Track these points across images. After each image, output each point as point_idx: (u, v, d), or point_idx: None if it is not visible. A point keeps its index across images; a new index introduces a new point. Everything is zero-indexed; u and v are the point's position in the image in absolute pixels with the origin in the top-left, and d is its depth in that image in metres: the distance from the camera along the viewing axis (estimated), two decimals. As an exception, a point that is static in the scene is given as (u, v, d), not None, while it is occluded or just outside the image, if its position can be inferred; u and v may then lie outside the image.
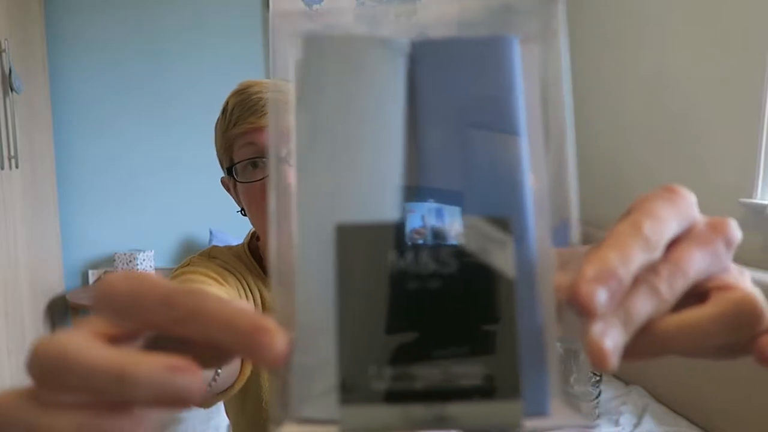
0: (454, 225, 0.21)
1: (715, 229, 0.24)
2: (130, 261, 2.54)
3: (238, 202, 0.76)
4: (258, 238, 0.81)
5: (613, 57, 2.63)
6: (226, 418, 1.75)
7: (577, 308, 0.20)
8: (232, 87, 0.76)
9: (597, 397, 1.82)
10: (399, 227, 0.21)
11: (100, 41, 2.65)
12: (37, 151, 2.39)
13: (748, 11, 1.94)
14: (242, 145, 0.71)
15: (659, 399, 1.93)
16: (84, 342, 0.20)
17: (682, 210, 0.24)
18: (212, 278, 0.69)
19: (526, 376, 0.20)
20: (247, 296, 0.73)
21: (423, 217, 0.22)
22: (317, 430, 0.20)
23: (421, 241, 0.21)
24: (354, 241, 0.21)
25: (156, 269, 2.75)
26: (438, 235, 0.21)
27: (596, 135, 2.77)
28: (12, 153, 2.11)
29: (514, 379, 0.20)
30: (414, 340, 0.20)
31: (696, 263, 0.23)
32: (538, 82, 0.23)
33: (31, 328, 2.31)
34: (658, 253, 0.22)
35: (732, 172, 2.02)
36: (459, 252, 0.21)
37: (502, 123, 0.22)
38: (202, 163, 2.82)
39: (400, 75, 0.23)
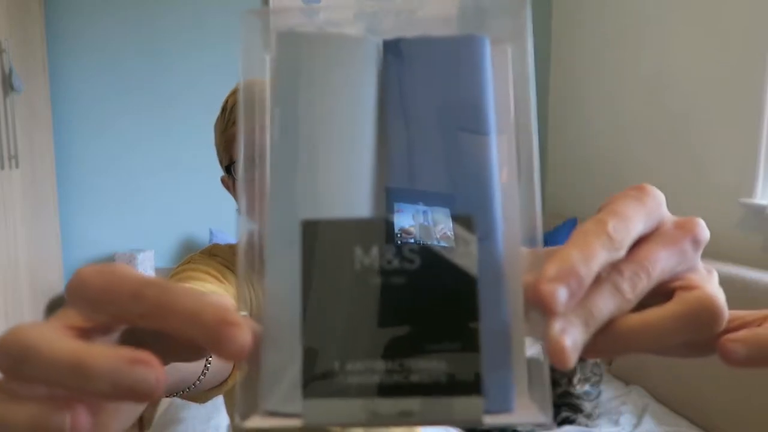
0: (418, 223, 0.21)
1: (683, 228, 0.24)
2: (130, 261, 2.54)
3: (237, 201, 0.76)
4: None
5: (613, 57, 2.63)
6: (226, 418, 1.75)
7: (538, 306, 0.20)
8: (232, 87, 0.76)
9: (597, 397, 1.82)
10: (363, 223, 0.22)
11: (100, 41, 2.65)
12: (37, 151, 2.40)
13: (748, 11, 1.94)
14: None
15: (659, 399, 1.93)
16: (50, 334, 0.20)
17: (649, 209, 0.24)
18: (212, 275, 0.69)
19: (490, 373, 0.20)
20: (249, 293, 0.73)
21: (390, 215, 0.22)
22: (282, 423, 0.20)
23: (387, 238, 0.21)
24: (319, 237, 0.21)
25: (156, 269, 2.75)
26: (404, 232, 0.21)
27: (596, 135, 2.77)
28: (12, 153, 2.11)
29: (476, 375, 0.20)
30: (377, 335, 0.21)
31: (661, 262, 0.23)
32: (509, 81, 0.24)
33: (31, 328, 2.32)
34: (622, 252, 0.22)
35: (732, 172, 2.02)
36: (422, 249, 0.21)
37: (472, 122, 0.23)
38: (202, 163, 2.82)
39: (372, 73, 0.24)
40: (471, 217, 0.21)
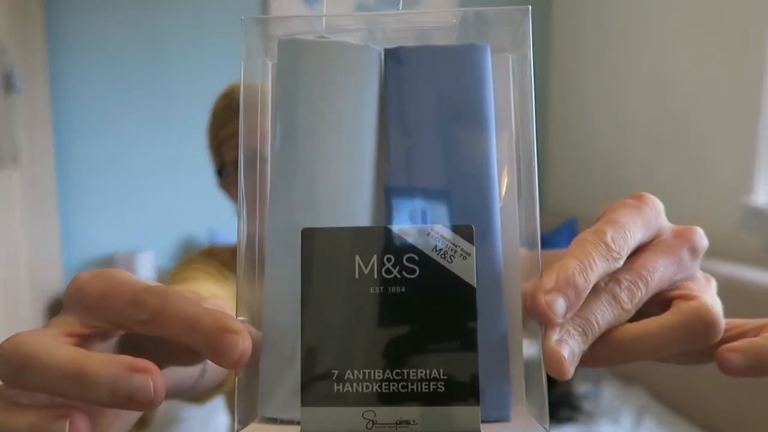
0: (419, 231, 0.22)
1: (681, 237, 0.24)
2: (130, 261, 2.54)
3: (234, 204, 0.77)
4: None
5: (613, 57, 2.63)
6: (226, 418, 1.75)
7: (535, 316, 0.21)
8: (233, 88, 0.76)
9: (597, 397, 1.82)
10: (363, 232, 0.22)
11: (100, 41, 2.65)
12: (37, 151, 2.39)
13: (748, 11, 1.94)
14: (232, 147, 0.71)
15: (659, 399, 1.93)
16: (49, 342, 0.20)
17: (648, 218, 0.24)
18: (212, 275, 0.69)
19: (487, 382, 0.21)
20: (249, 296, 0.73)
21: (390, 224, 0.22)
22: (280, 429, 0.21)
23: (385, 246, 0.22)
24: (319, 245, 0.21)
25: (157, 269, 2.75)
26: (403, 240, 0.21)
27: (596, 135, 2.77)
28: (12, 153, 2.11)
29: (473, 384, 0.20)
30: (376, 344, 0.21)
31: (659, 272, 0.23)
32: (510, 89, 0.24)
33: (32, 327, 2.31)
34: (620, 261, 0.22)
35: (732, 172, 2.02)
36: (421, 258, 0.21)
37: (473, 130, 0.23)
38: (202, 163, 2.81)
39: (373, 80, 0.24)
40: (471, 226, 0.21)
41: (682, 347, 0.22)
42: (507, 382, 0.21)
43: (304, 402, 0.20)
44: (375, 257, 0.21)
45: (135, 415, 0.24)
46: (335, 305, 0.21)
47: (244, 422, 0.21)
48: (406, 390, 0.20)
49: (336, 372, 0.21)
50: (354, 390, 0.20)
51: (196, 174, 2.82)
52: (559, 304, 0.20)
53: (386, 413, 0.20)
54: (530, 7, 0.23)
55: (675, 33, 2.28)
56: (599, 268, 0.21)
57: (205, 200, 2.83)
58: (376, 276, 0.21)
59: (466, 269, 0.21)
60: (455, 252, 0.21)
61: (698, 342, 0.22)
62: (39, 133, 2.42)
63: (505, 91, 0.24)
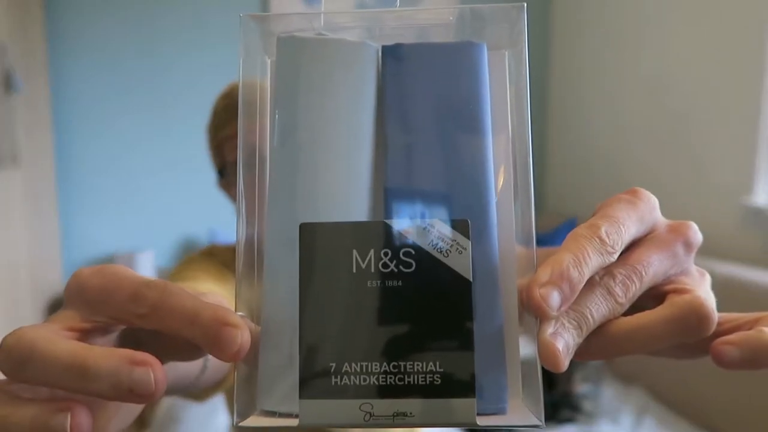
0: (416, 224, 0.22)
1: (675, 232, 0.25)
2: (130, 261, 2.54)
3: (234, 204, 0.77)
4: None
5: (613, 57, 2.63)
6: (226, 418, 1.75)
7: (531, 310, 0.21)
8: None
9: (597, 397, 1.82)
10: (361, 227, 0.22)
11: (100, 41, 2.65)
12: (37, 151, 2.40)
13: (748, 11, 1.94)
14: (233, 147, 0.71)
15: (659, 399, 1.93)
16: (51, 336, 0.20)
17: (642, 212, 0.24)
18: (211, 275, 0.69)
19: (484, 375, 0.21)
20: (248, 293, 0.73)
21: (388, 219, 0.23)
22: (279, 422, 0.21)
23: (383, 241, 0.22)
24: (317, 240, 0.22)
25: (157, 269, 2.75)
26: (400, 235, 0.22)
27: (596, 135, 2.77)
28: (12, 153, 2.11)
29: (470, 377, 0.21)
30: (374, 337, 0.21)
31: (653, 266, 0.23)
32: (506, 86, 0.24)
33: (31, 328, 2.31)
34: (615, 255, 0.23)
35: (732, 172, 2.02)
36: (418, 253, 0.22)
37: (469, 127, 0.23)
38: (202, 163, 2.81)
39: (371, 77, 0.24)
40: (467, 221, 0.22)
41: (676, 340, 0.23)
42: (503, 375, 0.21)
43: (303, 395, 0.21)
44: (372, 251, 0.21)
45: (136, 409, 0.24)
46: (333, 299, 0.21)
47: (243, 415, 0.21)
48: (403, 383, 0.20)
49: (334, 365, 0.21)
50: (351, 383, 0.21)
51: (196, 174, 2.82)
52: (554, 297, 0.20)
53: (384, 406, 0.20)
54: (525, 4, 0.23)
55: (675, 33, 2.28)
56: (594, 261, 0.22)
57: (205, 200, 2.84)
58: (373, 270, 0.21)
59: (462, 263, 0.21)
60: (451, 246, 0.21)
61: (692, 335, 0.23)
62: (39, 133, 2.42)
63: (501, 89, 0.24)
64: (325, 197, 0.23)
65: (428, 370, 0.21)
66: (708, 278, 0.26)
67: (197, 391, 0.58)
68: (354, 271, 0.21)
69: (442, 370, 0.21)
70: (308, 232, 0.21)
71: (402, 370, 0.21)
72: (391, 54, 0.24)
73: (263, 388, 0.21)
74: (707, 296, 0.24)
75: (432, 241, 0.21)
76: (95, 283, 0.21)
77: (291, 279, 0.22)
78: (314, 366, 0.21)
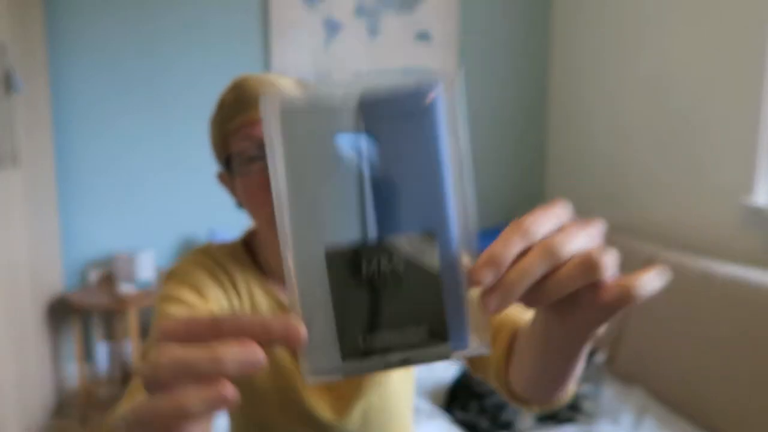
0: (401, 239, 0.32)
1: (586, 221, 0.33)
2: (131, 261, 2.54)
3: (236, 196, 0.78)
4: (254, 234, 0.83)
5: (613, 57, 2.63)
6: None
7: (474, 284, 0.31)
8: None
9: (597, 397, 1.82)
10: (362, 249, 0.32)
11: (100, 41, 2.65)
12: (37, 151, 2.40)
13: (748, 11, 1.94)
14: (239, 139, 0.72)
15: (659, 399, 1.93)
16: (179, 347, 0.30)
17: (557, 213, 0.33)
18: (191, 298, 0.73)
19: (452, 327, 0.32)
20: (230, 295, 0.78)
21: (381, 237, 0.32)
22: (331, 377, 0.32)
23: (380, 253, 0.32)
24: (338, 260, 0.32)
25: (157, 268, 2.75)
26: (392, 246, 0.32)
27: (596, 135, 2.77)
28: (12, 153, 2.11)
29: (444, 332, 0.32)
30: (383, 315, 0.32)
31: (566, 245, 0.31)
32: (459, 119, 0.33)
33: (32, 327, 2.31)
34: (536, 238, 0.32)
35: (732, 172, 2.02)
36: (404, 256, 0.32)
37: (430, 170, 0.32)
38: (202, 163, 2.82)
39: (352, 132, 0.32)
40: (434, 232, 0.32)
41: (579, 283, 0.31)
42: (465, 326, 0.33)
43: (343, 357, 0.32)
44: (374, 261, 0.32)
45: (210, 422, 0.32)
46: (352, 296, 0.32)
47: (306, 374, 0.31)
48: (405, 341, 0.32)
49: (360, 338, 0.32)
50: (372, 346, 0.32)
51: (196, 174, 2.82)
52: (486, 275, 0.31)
53: (395, 356, 0.32)
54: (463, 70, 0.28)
55: (675, 33, 2.28)
56: (518, 245, 0.31)
57: (205, 200, 2.84)
58: (375, 273, 0.33)
59: (431, 260, 0.32)
60: (424, 249, 0.32)
61: (589, 276, 0.31)
62: (39, 133, 2.42)
63: (454, 121, 0.33)
64: (330, 222, 0.32)
65: (419, 330, 0.32)
66: (614, 253, 0.33)
67: None
68: (363, 277, 0.32)
69: (427, 329, 0.32)
70: (332, 256, 0.32)
71: (404, 333, 0.32)
72: (366, 105, 0.32)
73: (318, 356, 0.32)
74: (607, 252, 0.31)
75: (412, 247, 0.32)
76: (181, 329, 0.31)
77: (323, 293, 0.32)
78: (348, 338, 0.32)
